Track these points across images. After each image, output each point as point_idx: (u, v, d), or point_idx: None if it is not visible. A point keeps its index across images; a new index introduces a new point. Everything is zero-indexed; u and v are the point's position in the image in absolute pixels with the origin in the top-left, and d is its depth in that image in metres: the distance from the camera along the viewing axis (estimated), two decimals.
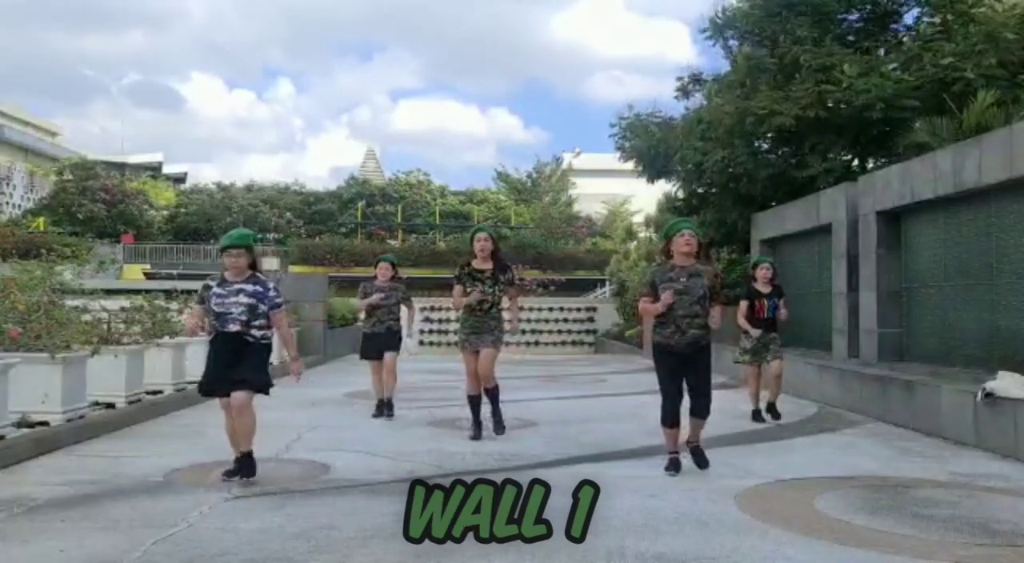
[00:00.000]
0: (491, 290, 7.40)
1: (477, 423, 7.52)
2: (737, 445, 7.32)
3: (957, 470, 6.21)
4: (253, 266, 5.79)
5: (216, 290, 5.71)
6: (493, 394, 7.55)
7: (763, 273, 8.86)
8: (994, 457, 6.68)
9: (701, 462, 6.10)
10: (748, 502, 5.11)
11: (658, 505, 5.03)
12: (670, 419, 5.99)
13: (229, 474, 5.60)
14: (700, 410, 6.04)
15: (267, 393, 5.76)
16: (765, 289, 8.85)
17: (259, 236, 33.43)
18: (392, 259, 9.53)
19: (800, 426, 8.52)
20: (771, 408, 8.89)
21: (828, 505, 5.08)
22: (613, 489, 5.45)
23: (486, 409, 7.59)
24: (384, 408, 9.00)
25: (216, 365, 5.69)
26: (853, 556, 4.10)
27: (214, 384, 5.70)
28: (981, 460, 6.62)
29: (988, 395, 6.93)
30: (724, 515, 4.81)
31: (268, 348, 5.88)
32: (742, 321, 8.83)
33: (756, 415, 8.82)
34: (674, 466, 5.96)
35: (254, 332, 5.68)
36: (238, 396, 5.55)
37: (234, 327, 5.62)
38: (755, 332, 8.76)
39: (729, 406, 9.14)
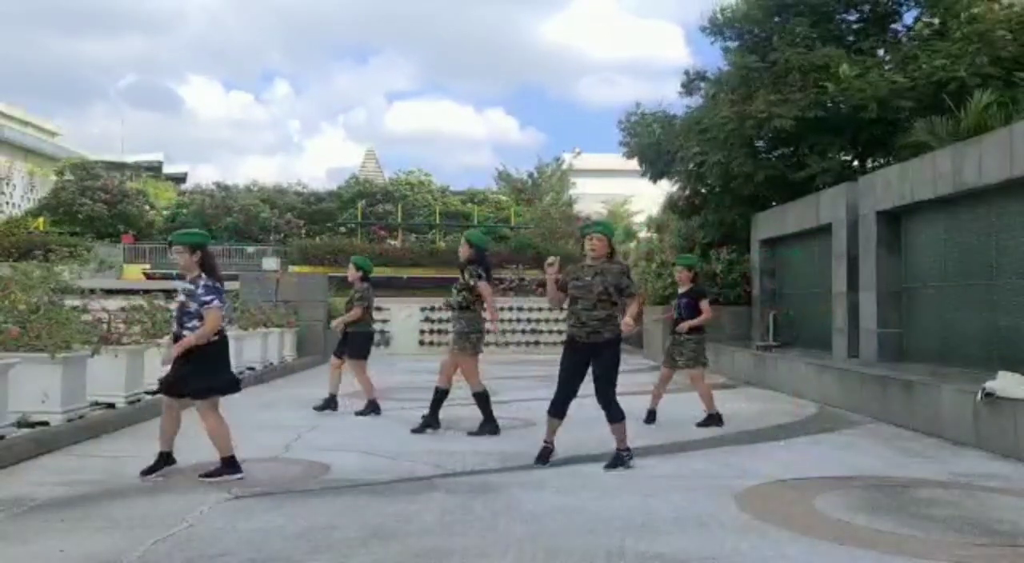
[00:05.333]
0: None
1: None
2: (737, 445, 7.32)
3: (957, 470, 6.21)
4: (202, 265, 5.88)
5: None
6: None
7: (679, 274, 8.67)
8: (994, 457, 6.68)
9: (613, 465, 6.22)
10: (748, 502, 5.11)
11: (658, 505, 5.03)
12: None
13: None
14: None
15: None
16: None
17: (259, 236, 33.73)
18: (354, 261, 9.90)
19: (800, 426, 8.51)
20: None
21: (828, 505, 5.08)
22: (613, 489, 5.47)
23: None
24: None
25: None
26: (853, 556, 4.10)
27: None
28: (981, 460, 6.62)
29: (988, 395, 6.93)
30: (724, 515, 4.81)
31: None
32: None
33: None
34: (543, 457, 6.37)
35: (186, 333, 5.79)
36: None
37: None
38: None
39: (729, 406, 9.13)
